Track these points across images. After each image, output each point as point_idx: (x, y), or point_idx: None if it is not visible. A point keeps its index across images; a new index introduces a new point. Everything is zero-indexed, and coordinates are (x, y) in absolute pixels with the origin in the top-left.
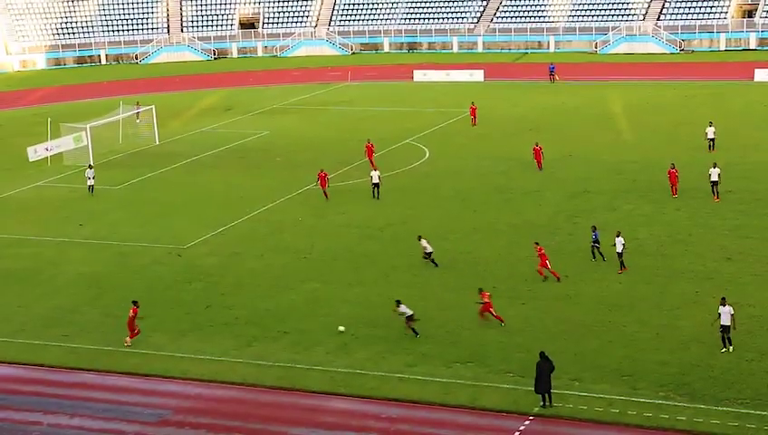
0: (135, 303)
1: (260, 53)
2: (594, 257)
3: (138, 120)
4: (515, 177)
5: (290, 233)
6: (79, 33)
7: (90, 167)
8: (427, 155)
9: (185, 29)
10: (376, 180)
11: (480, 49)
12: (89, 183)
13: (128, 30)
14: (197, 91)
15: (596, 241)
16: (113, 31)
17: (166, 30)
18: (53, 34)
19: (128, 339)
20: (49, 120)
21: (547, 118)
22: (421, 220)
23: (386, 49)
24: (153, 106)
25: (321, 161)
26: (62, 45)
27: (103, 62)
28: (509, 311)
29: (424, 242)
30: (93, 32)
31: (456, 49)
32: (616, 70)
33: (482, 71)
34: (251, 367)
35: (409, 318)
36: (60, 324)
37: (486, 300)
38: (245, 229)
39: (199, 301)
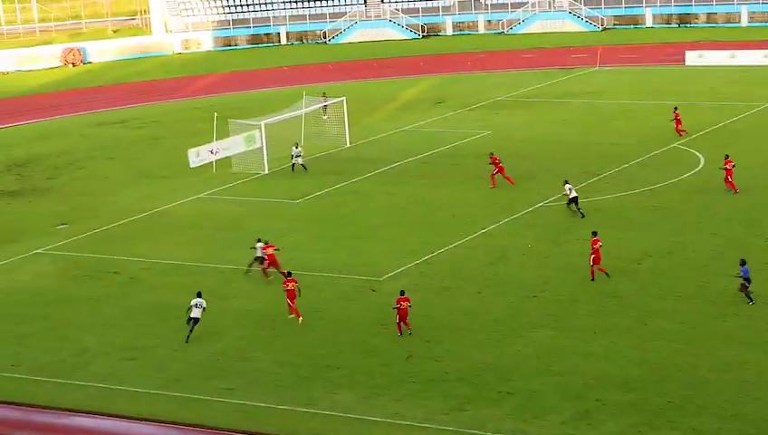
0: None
1: (481, 30)
2: (752, 301)
3: (324, 116)
4: None
5: (516, 264)
6: (254, 5)
7: (296, 145)
8: (702, 164)
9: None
10: (573, 193)
11: None
12: (298, 162)
13: (314, 1)
14: (400, 79)
15: (746, 278)
16: (296, 2)
17: (362, 1)
18: (223, 7)
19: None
20: (215, 115)
21: None
22: (692, 249)
23: (648, 23)
24: (344, 98)
25: (558, 171)
26: (233, 21)
27: (283, 41)
28: None
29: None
30: (272, 4)
31: (745, 22)
32: None
33: None
34: None
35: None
36: (223, 374)
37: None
38: (458, 258)
39: (398, 349)
